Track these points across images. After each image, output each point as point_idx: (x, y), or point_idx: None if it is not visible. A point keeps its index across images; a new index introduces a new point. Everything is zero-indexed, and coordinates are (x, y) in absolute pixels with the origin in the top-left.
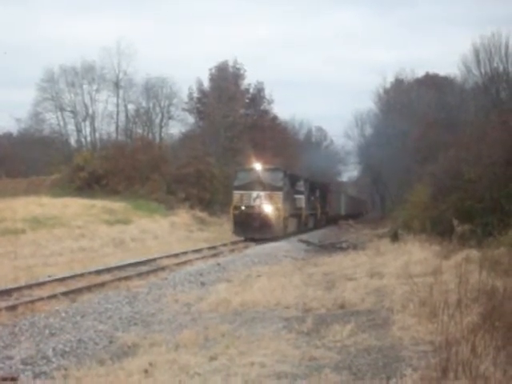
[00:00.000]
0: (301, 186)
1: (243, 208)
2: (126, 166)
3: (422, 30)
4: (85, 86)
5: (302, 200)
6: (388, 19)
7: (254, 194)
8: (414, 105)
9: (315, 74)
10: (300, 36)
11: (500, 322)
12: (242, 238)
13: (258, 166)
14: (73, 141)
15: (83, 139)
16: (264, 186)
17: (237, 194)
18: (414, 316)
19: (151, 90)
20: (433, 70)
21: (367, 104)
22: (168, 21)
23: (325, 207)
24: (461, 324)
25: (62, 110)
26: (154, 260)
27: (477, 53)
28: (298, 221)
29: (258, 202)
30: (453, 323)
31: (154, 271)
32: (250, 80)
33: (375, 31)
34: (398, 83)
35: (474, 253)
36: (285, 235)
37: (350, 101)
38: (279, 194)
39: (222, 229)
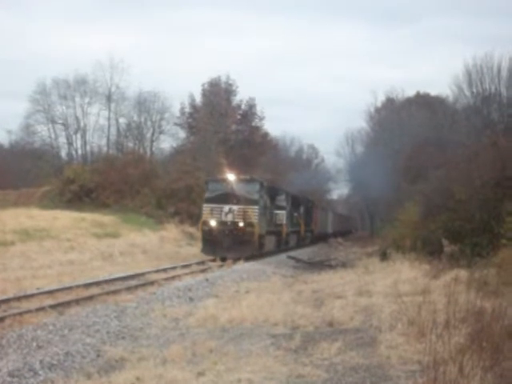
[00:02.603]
0: (282, 200)
1: (213, 224)
2: (117, 179)
3: (414, 50)
4: (77, 99)
5: (282, 216)
6: (380, 39)
7: (226, 207)
8: (405, 124)
9: (307, 91)
10: (291, 53)
11: (488, 342)
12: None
13: (231, 177)
14: (64, 153)
15: (74, 152)
16: (237, 199)
17: (206, 207)
18: (402, 335)
19: (143, 104)
20: (424, 90)
21: (359, 122)
22: (161, 35)
23: (309, 224)
24: (449, 344)
25: (53, 122)
26: (143, 274)
27: (469, 73)
28: (277, 239)
29: (230, 217)
30: (441, 343)
31: (143, 285)
32: (241, 96)
33: (367, 50)
34: (389, 102)
35: (463, 273)
36: (260, 255)
37: (342, 119)
38: (255, 209)
39: None
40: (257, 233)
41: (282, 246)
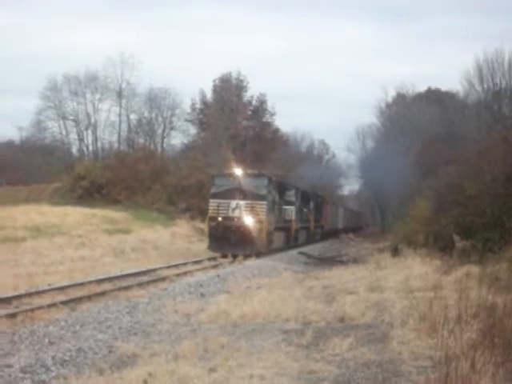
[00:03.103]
0: (291, 195)
1: (220, 219)
2: (128, 175)
3: (424, 45)
4: (88, 95)
5: (291, 211)
6: (390, 34)
7: (233, 203)
8: (415, 119)
9: (318, 87)
10: (303, 49)
11: (500, 338)
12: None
13: (238, 171)
14: (75, 150)
15: (85, 148)
16: (245, 195)
17: (213, 202)
18: (413, 331)
19: (154, 100)
20: (435, 85)
21: (369, 118)
22: (172, 31)
23: (320, 220)
24: (460, 339)
25: (64, 118)
26: (154, 270)
27: (479, 68)
28: (285, 235)
29: (237, 213)
30: (452, 338)
31: (154, 281)
32: (252, 92)
33: (378, 45)
34: (400, 98)
35: (475, 268)
36: (270, 251)
37: (353, 114)
38: (262, 204)
39: None
40: (265, 229)
41: (291, 243)
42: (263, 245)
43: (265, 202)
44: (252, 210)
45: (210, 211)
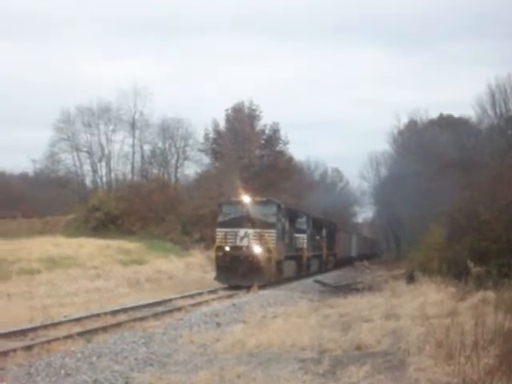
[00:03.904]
0: (302, 223)
1: (228, 249)
2: (142, 206)
3: (436, 71)
4: (101, 127)
5: (303, 239)
6: (402, 60)
7: (241, 232)
8: (428, 146)
9: (330, 114)
10: (315, 77)
11: None
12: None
13: (246, 199)
14: (88, 181)
15: (99, 179)
16: (253, 223)
17: (221, 232)
18: (430, 357)
19: (167, 130)
20: (448, 111)
21: (382, 145)
22: (184, 61)
23: (333, 248)
24: (477, 366)
25: (77, 150)
26: (170, 300)
27: (492, 94)
28: (297, 264)
29: (245, 242)
30: (469, 365)
31: (170, 312)
32: (265, 121)
33: (391, 73)
34: (412, 124)
35: (490, 294)
36: (279, 281)
37: (366, 142)
38: (271, 232)
39: None
40: (274, 258)
41: (303, 272)
42: (273, 275)
43: (274, 231)
44: (261, 238)
45: (217, 240)
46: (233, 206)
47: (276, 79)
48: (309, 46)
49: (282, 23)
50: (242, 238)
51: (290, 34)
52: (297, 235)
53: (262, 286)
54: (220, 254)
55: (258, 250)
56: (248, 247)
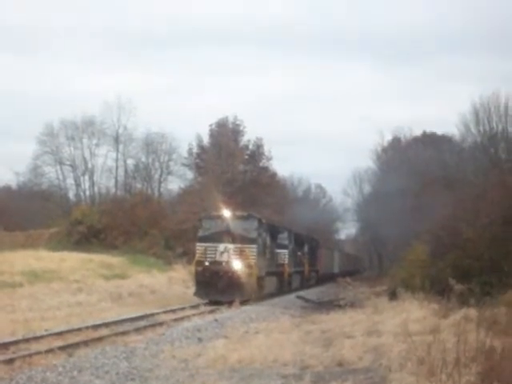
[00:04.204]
0: (284, 238)
1: (207, 264)
2: (125, 220)
3: (420, 89)
4: (84, 141)
5: (284, 255)
6: (387, 78)
7: (221, 247)
8: (412, 163)
9: (314, 131)
10: (300, 93)
11: (498, 381)
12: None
13: (226, 213)
14: (71, 195)
15: (82, 193)
16: (234, 238)
17: (200, 246)
18: (412, 374)
19: (151, 145)
20: (431, 129)
21: (366, 162)
22: (168, 75)
23: (315, 264)
24: (459, 383)
25: (61, 163)
26: (152, 315)
27: (476, 112)
28: (278, 280)
29: (225, 257)
30: (451, 382)
31: (152, 326)
32: (249, 136)
33: (375, 90)
34: (396, 141)
35: (473, 312)
36: (259, 298)
37: (350, 158)
38: (252, 248)
39: None
40: (255, 274)
41: (284, 288)
42: (253, 290)
43: (255, 246)
44: (241, 253)
45: (197, 255)
46: (213, 221)
47: (261, 95)
48: (292, 61)
49: (269, 37)
50: (221, 253)
51: (276, 48)
52: (278, 251)
53: (244, 302)
54: (199, 268)
55: (238, 265)
56: (228, 262)
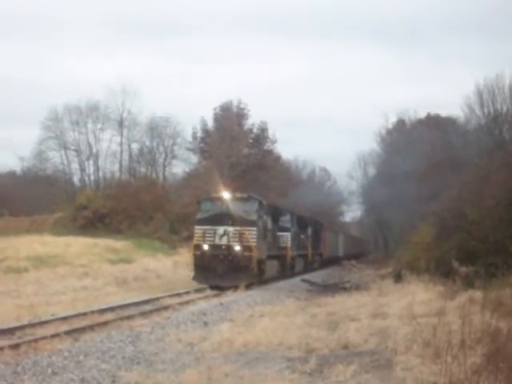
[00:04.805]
0: (286, 221)
1: (206, 248)
2: (130, 205)
3: (425, 71)
4: (89, 125)
5: (286, 238)
6: (392, 60)
7: (221, 229)
8: (416, 145)
9: (319, 113)
10: (303, 75)
11: (504, 363)
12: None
13: (226, 195)
14: (76, 179)
15: (87, 178)
16: (233, 220)
17: (199, 229)
18: (417, 357)
19: (155, 129)
20: (436, 111)
21: (371, 144)
22: (172, 60)
23: (319, 247)
24: (464, 365)
25: (65, 148)
26: (157, 299)
27: (480, 94)
28: (280, 263)
29: (224, 241)
30: (456, 364)
31: (157, 310)
32: (253, 120)
33: (380, 72)
34: (401, 124)
35: (478, 294)
36: (261, 282)
37: (355, 141)
38: (253, 230)
39: None
40: (255, 257)
41: (287, 272)
42: (254, 275)
43: (255, 228)
44: (241, 236)
45: (195, 239)
46: (212, 203)
47: (264, 78)
48: (296, 44)
49: (270, 22)
50: (221, 236)
51: (277, 32)
52: (280, 233)
53: (249, 285)
54: (198, 252)
55: (238, 248)
56: (227, 246)
